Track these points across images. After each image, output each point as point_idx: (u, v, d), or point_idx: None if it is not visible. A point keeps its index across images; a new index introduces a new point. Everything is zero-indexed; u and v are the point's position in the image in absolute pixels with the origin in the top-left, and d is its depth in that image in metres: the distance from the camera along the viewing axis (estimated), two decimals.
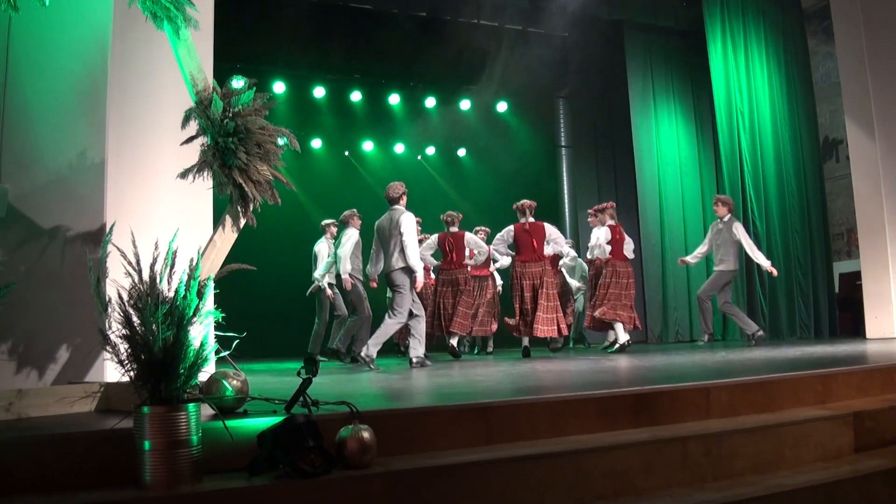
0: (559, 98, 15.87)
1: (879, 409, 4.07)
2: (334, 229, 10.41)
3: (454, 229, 9.59)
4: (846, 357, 6.04)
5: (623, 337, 9.31)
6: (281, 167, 4.00)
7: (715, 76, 12.13)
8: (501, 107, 15.55)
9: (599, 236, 9.75)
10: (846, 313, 11.89)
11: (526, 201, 9.23)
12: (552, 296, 8.97)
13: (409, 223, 7.74)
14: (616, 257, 9.53)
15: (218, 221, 3.96)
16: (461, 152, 15.80)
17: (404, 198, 7.97)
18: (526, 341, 9.04)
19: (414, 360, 7.75)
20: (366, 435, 2.86)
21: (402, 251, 7.68)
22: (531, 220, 9.17)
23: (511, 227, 9.17)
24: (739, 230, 9.76)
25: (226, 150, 3.76)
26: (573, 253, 10.81)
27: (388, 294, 8.43)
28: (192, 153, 3.88)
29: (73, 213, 4.50)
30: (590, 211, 10.45)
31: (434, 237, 9.78)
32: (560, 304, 9.21)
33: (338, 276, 9.81)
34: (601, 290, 9.48)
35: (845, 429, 3.85)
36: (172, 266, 2.99)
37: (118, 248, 3.04)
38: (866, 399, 4.43)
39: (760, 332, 9.57)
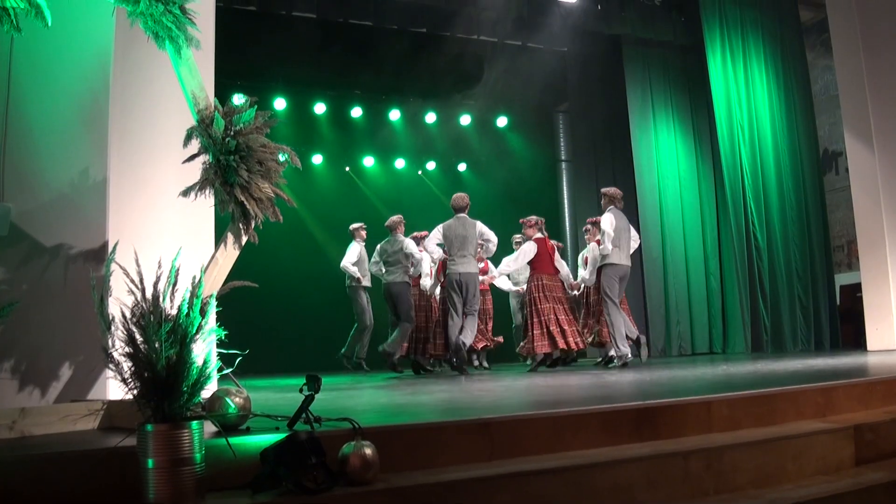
0: (559, 112, 15.89)
1: (880, 422, 4.07)
2: (363, 233, 10.42)
3: None
4: (847, 369, 6.05)
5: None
6: (282, 184, 4.02)
7: (715, 90, 12.17)
8: (501, 121, 15.57)
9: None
10: (847, 325, 11.88)
11: (536, 217, 9.33)
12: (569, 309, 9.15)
13: (487, 229, 8.98)
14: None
15: (220, 239, 3.98)
16: (461, 167, 15.82)
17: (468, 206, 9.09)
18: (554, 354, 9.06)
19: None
20: (368, 451, 2.87)
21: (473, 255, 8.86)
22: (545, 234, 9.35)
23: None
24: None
25: (227, 167, 3.79)
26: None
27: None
28: (194, 171, 3.91)
29: (75, 231, 4.53)
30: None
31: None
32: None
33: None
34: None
35: (846, 442, 3.85)
36: (175, 284, 3.01)
37: (121, 267, 3.06)
38: (867, 412, 4.43)
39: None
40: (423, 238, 9.94)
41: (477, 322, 8.98)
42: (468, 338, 8.79)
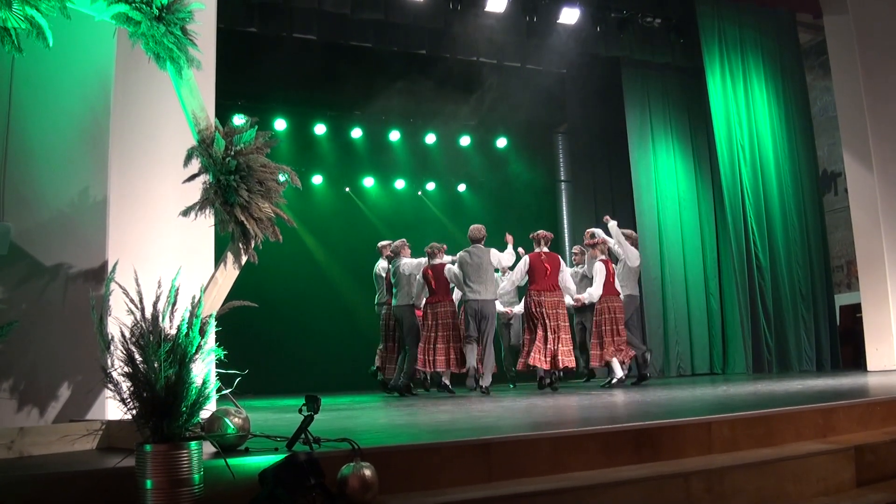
0: (558, 133, 15.95)
1: (880, 443, 4.06)
2: (389, 251, 10.37)
3: (437, 261, 9.60)
4: (847, 390, 6.03)
5: (619, 373, 9.38)
6: (282, 204, 4.03)
7: (715, 110, 12.15)
8: (501, 142, 15.61)
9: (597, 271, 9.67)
10: (847, 345, 11.85)
11: (542, 231, 9.33)
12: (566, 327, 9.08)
13: (497, 252, 9.33)
14: (610, 292, 9.54)
15: (219, 258, 3.98)
16: (461, 187, 15.84)
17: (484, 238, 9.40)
18: (542, 372, 8.97)
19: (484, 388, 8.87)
20: (367, 472, 2.86)
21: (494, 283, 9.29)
22: (546, 249, 9.26)
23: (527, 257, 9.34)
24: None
25: (228, 187, 3.79)
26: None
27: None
28: (194, 191, 3.91)
29: (75, 250, 4.53)
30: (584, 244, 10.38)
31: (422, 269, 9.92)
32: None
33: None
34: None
35: (847, 463, 3.84)
36: (175, 303, 3.01)
37: (120, 286, 3.06)
38: (867, 432, 4.42)
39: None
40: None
41: (489, 349, 9.16)
42: (487, 375, 9.01)
